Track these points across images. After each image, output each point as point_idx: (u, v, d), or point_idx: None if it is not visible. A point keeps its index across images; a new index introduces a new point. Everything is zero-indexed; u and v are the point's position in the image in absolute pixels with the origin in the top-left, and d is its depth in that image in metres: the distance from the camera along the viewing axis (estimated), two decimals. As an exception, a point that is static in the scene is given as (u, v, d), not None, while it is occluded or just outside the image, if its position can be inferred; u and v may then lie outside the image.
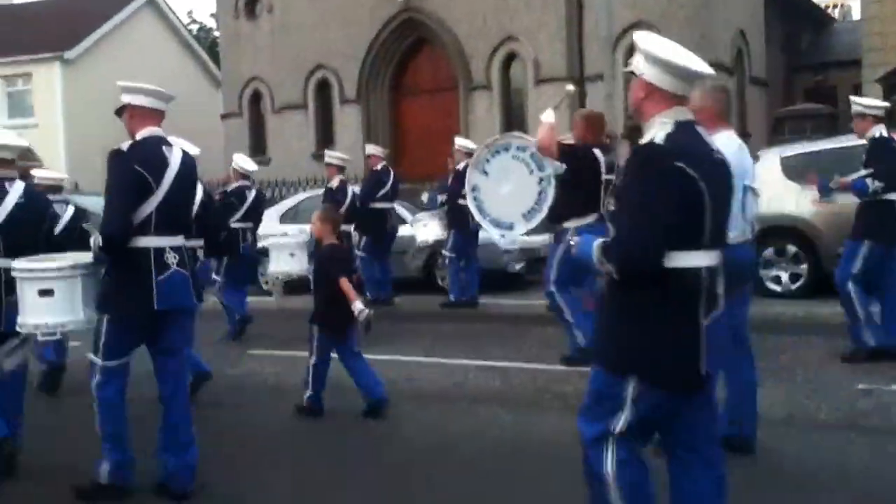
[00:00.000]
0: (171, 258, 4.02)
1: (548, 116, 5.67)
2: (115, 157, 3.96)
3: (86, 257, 4.08)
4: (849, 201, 6.66)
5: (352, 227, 8.97)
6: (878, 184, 6.08)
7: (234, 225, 8.39)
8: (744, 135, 8.38)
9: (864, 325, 6.35)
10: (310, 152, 20.47)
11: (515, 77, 19.12)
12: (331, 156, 9.60)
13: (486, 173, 6.65)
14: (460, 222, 9.03)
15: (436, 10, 19.17)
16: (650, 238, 2.57)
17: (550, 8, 18.18)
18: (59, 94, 24.56)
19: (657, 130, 2.70)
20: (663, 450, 2.94)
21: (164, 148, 4.06)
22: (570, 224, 6.12)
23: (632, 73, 2.83)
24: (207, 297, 9.51)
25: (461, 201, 8.15)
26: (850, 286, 6.31)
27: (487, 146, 6.78)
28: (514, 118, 19.02)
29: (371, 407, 5.48)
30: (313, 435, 5.33)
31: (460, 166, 8.96)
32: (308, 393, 5.56)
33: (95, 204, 7.18)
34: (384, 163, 9.99)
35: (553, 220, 6.38)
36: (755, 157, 6.86)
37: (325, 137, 20.75)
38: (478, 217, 6.68)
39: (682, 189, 2.58)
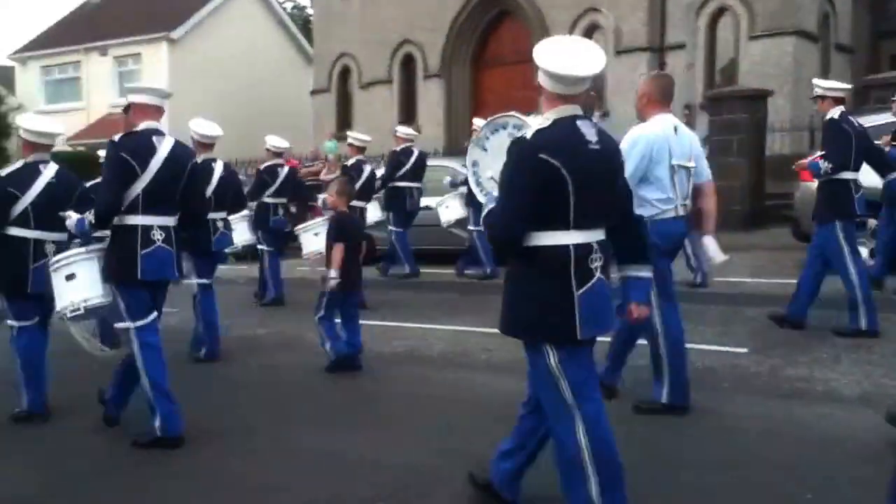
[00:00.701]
0: (158, 235, 4.49)
1: None
2: (108, 146, 4.51)
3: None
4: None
5: (366, 203, 9.25)
6: (827, 164, 6.28)
7: (266, 200, 9.18)
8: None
9: None
10: (390, 127, 20.69)
11: (596, 48, 18.68)
12: (352, 136, 9.87)
13: (485, 150, 6.63)
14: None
15: (518, -19, 18.98)
16: (511, 218, 3.03)
17: (633, -24, 17.66)
18: (167, 71, 25.75)
19: (536, 126, 3.09)
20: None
21: (154, 138, 4.53)
22: None
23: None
24: (295, 270, 10.46)
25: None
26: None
27: (488, 123, 6.76)
28: (594, 89, 18.61)
29: (338, 361, 5.97)
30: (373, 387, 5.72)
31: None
32: (327, 347, 6.02)
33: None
34: (407, 144, 10.21)
35: None
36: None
37: (409, 112, 20.97)
38: (475, 191, 6.67)
39: (545, 178, 2.96)
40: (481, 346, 6.62)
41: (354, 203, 7.98)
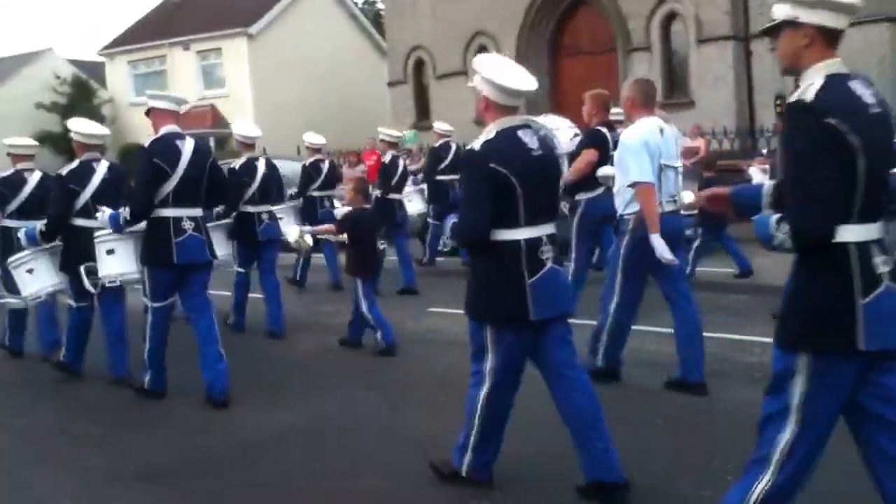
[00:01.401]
0: (188, 224, 5.20)
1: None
2: (140, 150, 5.24)
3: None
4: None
5: (403, 196, 9.71)
6: None
7: (313, 193, 9.43)
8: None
9: None
10: (469, 118, 20.76)
11: (676, 37, 18.17)
12: (383, 133, 10.17)
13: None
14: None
15: (593, -31, 18.67)
16: (473, 220, 3.48)
17: (714, -39, 17.16)
18: (247, 66, 26.34)
19: (483, 136, 3.48)
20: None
21: (177, 141, 5.20)
22: (582, 196, 6.70)
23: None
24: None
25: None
26: None
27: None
28: (675, 80, 18.23)
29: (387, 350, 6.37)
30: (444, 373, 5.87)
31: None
32: (378, 336, 6.42)
33: (284, 167, 8.77)
34: (446, 139, 10.76)
35: (567, 193, 6.68)
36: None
37: (485, 103, 20.93)
38: None
39: (497, 183, 3.38)
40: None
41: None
